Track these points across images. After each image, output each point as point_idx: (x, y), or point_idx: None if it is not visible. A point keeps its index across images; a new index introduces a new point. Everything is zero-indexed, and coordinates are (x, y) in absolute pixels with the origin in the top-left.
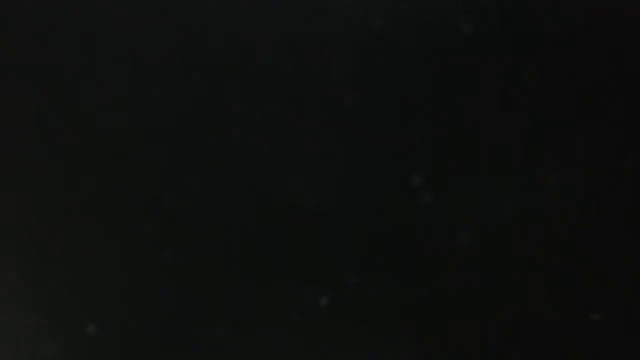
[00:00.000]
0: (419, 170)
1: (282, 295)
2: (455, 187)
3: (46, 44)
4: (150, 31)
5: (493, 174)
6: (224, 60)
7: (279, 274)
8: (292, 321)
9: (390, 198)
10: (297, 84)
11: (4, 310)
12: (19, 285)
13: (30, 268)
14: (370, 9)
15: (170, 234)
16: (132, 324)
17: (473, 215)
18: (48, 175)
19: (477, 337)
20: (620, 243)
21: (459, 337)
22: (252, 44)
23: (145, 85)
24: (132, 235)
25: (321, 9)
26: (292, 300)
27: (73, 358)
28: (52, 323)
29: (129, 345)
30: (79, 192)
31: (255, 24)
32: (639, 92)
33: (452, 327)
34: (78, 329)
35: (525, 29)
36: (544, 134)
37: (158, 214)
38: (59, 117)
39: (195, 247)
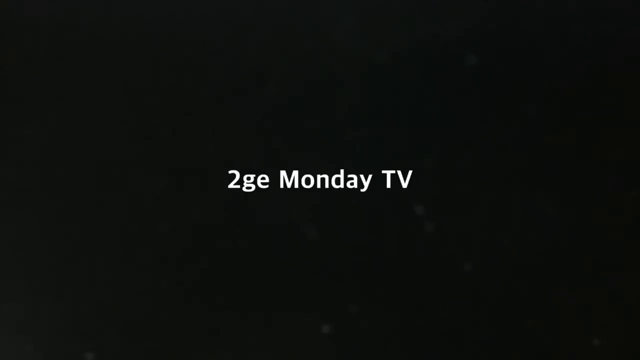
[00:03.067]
0: (421, 201)
1: (285, 323)
2: (457, 217)
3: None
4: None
5: (494, 205)
6: (230, 89)
7: (283, 302)
8: (294, 348)
9: (393, 229)
10: (303, 115)
11: (2, 340)
12: (18, 314)
13: (29, 298)
14: (373, 41)
15: (169, 263)
16: (130, 353)
17: (475, 245)
18: (45, 206)
19: None
20: (619, 270)
21: None
22: (256, 75)
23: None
24: (129, 264)
25: (326, 41)
26: (295, 327)
27: None
28: (50, 352)
29: None
30: (78, 224)
31: (261, 57)
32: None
33: (453, 355)
34: (76, 357)
35: (528, 62)
36: (545, 166)
37: (158, 244)
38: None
39: (194, 274)
